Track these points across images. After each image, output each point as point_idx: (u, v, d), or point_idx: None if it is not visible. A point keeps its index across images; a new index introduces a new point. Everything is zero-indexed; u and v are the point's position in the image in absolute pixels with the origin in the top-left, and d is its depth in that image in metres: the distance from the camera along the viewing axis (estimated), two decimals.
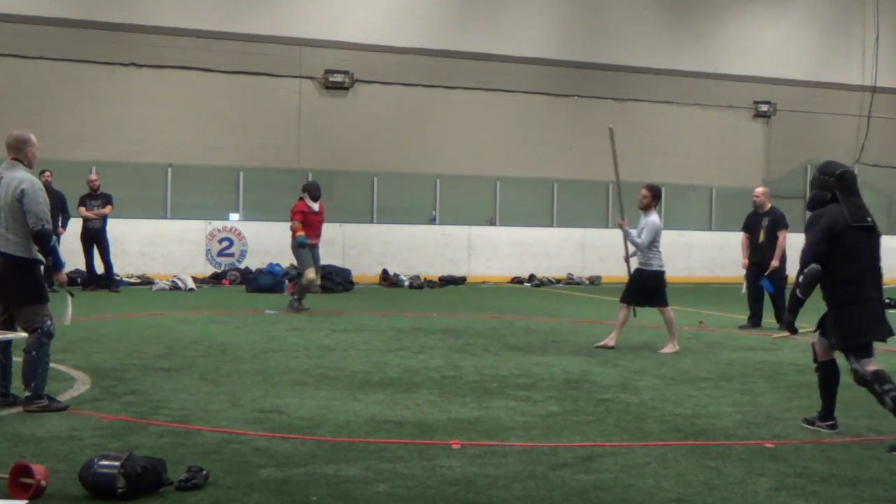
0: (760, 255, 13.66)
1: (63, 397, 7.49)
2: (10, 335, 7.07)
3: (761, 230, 13.74)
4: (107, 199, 17.67)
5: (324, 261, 20.33)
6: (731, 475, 5.77)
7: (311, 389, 8.15)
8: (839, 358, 7.09)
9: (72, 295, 7.73)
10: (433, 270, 21.69)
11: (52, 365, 8.75)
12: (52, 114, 20.02)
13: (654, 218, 11.17)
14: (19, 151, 7.25)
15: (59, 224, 17.08)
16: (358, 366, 9.46)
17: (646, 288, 11.24)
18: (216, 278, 19.83)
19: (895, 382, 6.74)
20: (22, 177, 7.10)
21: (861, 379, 6.88)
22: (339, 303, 16.48)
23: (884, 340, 7.03)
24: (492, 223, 23.08)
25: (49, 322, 7.17)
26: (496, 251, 22.54)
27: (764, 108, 25.62)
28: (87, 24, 20.34)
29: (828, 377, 7.17)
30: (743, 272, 14.30)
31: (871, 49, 26.54)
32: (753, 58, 25.52)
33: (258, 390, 8.05)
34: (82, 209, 17.57)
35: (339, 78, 22.01)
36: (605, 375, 9.30)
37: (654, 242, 11.14)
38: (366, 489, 5.30)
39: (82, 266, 17.93)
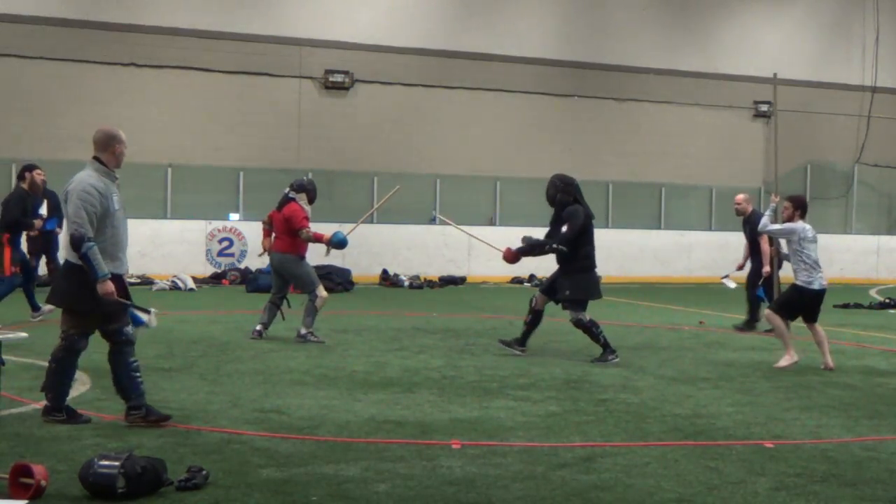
0: (744, 260, 13.64)
1: None
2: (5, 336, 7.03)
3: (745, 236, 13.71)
4: None
5: (324, 261, 20.38)
6: (731, 475, 5.77)
7: (311, 389, 8.15)
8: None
9: (141, 307, 7.09)
10: (433, 270, 21.68)
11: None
12: (52, 114, 20.02)
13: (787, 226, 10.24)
14: (105, 149, 6.71)
15: (56, 224, 17.07)
16: (358, 366, 9.46)
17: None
18: (216, 278, 19.82)
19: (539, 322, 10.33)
20: (78, 178, 6.61)
21: (580, 323, 10.12)
22: (339, 303, 16.47)
23: (597, 299, 10.43)
24: (492, 223, 23.07)
25: (128, 328, 6.74)
26: (496, 251, 22.50)
27: (764, 108, 25.61)
28: (87, 24, 20.34)
29: (534, 321, 10.37)
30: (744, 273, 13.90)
31: (871, 49, 26.54)
32: (753, 58, 25.50)
33: (258, 390, 8.05)
34: None
35: (339, 78, 22.01)
36: (605, 375, 9.30)
37: (796, 256, 10.06)
38: (366, 489, 5.30)
39: None
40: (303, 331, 11.05)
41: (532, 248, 10.48)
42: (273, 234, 11.32)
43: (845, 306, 17.62)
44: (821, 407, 7.97)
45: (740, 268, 13.91)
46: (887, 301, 18.07)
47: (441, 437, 6.53)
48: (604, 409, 7.66)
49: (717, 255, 23.98)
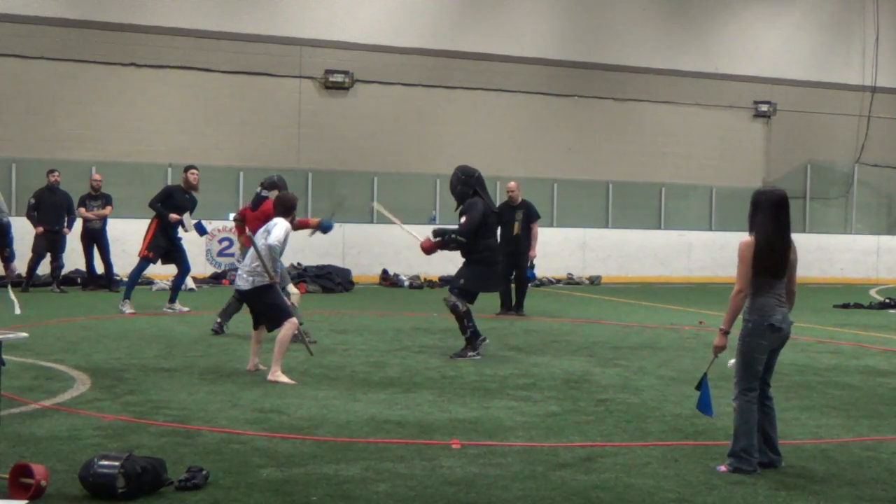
0: (515, 245, 14.47)
1: (63, 397, 7.49)
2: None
3: (515, 223, 14.61)
4: (106, 200, 17.69)
5: (324, 261, 20.38)
6: (731, 475, 5.77)
7: (311, 389, 8.15)
8: None
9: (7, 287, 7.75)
10: (433, 270, 21.66)
11: (51, 365, 8.82)
12: (52, 114, 20.01)
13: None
14: None
15: (65, 224, 17.23)
16: (358, 366, 9.47)
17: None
18: (216, 278, 19.81)
19: (474, 321, 10.07)
20: None
21: (456, 310, 9.97)
22: (339, 303, 16.48)
23: (494, 291, 11.68)
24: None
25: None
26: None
27: (764, 108, 25.60)
28: (87, 24, 20.32)
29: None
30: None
31: (871, 49, 26.53)
32: (753, 58, 25.50)
33: (258, 390, 8.06)
34: (82, 209, 17.59)
35: (339, 78, 22.00)
36: (605, 375, 9.30)
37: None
38: (366, 489, 5.30)
39: (82, 266, 17.95)
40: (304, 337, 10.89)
41: (444, 242, 10.59)
42: (247, 231, 11.21)
43: (845, 306, 17.62)
44: (821, 407, 7.98)
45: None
46: (887, 301, 18.06)
47: (441, 437, 6.53)
48: (604, 409, 7.66)
49: (717, 254, 23.97)
